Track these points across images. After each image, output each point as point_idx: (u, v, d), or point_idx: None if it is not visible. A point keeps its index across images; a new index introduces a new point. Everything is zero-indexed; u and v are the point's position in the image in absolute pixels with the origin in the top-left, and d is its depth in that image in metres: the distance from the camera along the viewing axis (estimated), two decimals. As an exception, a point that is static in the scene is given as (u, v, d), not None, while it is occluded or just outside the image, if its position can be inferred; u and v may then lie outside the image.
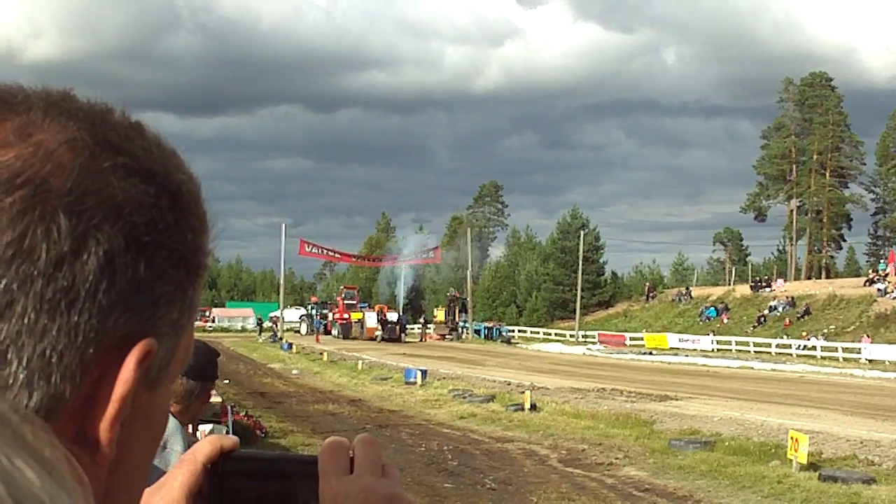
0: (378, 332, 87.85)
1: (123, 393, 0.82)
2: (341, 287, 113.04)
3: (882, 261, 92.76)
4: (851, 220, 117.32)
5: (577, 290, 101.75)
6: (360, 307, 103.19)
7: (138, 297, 0.83)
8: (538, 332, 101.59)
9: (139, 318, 0.83)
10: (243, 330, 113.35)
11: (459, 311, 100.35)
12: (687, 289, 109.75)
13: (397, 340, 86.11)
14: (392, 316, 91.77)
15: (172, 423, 4.43)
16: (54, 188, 0.78)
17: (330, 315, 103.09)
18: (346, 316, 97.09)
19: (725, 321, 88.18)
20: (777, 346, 70.57)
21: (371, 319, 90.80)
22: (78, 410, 0.80)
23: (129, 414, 0.84)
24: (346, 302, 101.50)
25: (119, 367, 0.82)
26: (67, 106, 0.85)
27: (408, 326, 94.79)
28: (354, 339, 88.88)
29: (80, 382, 0.80)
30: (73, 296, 0.79)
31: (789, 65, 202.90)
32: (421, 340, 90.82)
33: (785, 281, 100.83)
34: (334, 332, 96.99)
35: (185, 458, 1.06)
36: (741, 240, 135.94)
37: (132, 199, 0.82)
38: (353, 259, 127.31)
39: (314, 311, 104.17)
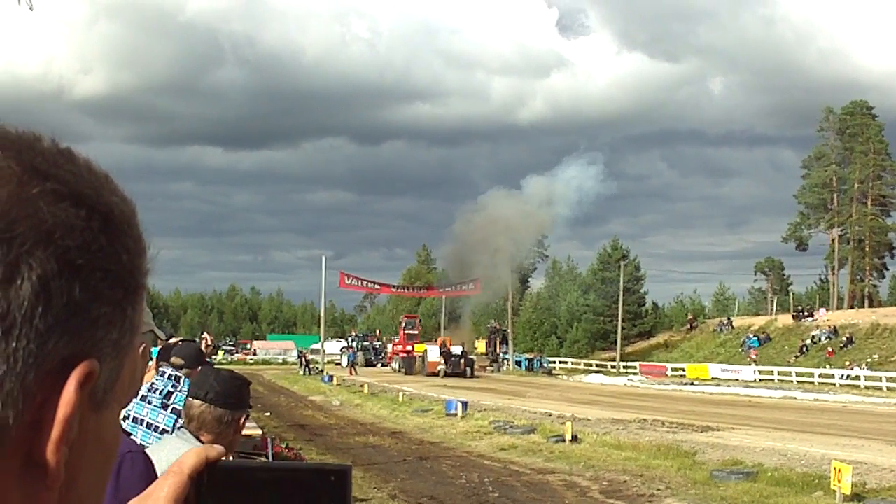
0: (441, 367, 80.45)
1: (66, 415, 0.82)
2: (401, 316, 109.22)
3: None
4: (894, 248, 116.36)
5: (617, 320, 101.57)
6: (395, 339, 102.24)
7: (76, 320, 0.82)
8: (579, 364, 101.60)
9: (78, 341, 0.83)
10: (284, 362, 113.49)
11: (500, 343, 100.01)
12: (728, 319, 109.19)
13: (462, 375, 78.97)
14: (456, 349, 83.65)
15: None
16: None
17: (390, 347, 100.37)
18: (408, 349, 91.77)
19: (753, 357, 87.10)
20: (820, 375, 70.17)
21: (433, 353, 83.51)
22: (24, 436, 0.81)
23: (78, 437, 0.84)
24: (407, 332, 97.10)
25: (61, 391, 0.82)
26: None
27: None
28: (417, 374, 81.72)
29: (22, 408, 0.80)
30: (10, 322, 0.79)
31: (834, 93, 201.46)
32: None
33: (827, 310, 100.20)
34: (394, 365, 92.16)
35: (171, 469, 1.04)
36: (783, 269, 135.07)
37: (63, 223, 0.82)
38: (393, 290, 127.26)
39: (355, 343, 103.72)
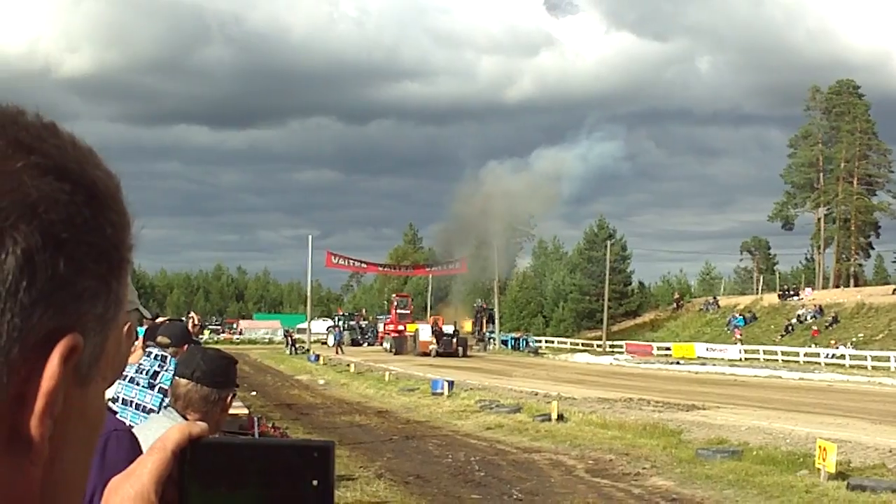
0: (433, 347, 78.76)
1: (50, 388, 0.81)
2: (393, 296, 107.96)
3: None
4: (879, 227, 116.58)
5: (604, 300, 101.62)
6: (388, 317, 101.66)
7: (60, 294, 0.82)
8: (565, 343, 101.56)
9: (63, 315, 0.83)
10: (270, 342, 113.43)
11: (486, 322, 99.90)
12: (714, 298, 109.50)
13: (454, 355, 76.86)
14: (448, 328, 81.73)
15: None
16: None
17: (381, 327, 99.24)
18: (400, 328, 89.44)
19: (738, 336, 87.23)
20: (805, 354, 70.37)
21: (425, 332, 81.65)
22: (8, 410, 0.81)
23: (63, 411, 0.84)
24: (399, 312, 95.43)
25: (45, 364, 0.82)
26: None
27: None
28: (408, 353, 79.23)
29: (7, 382, 0.80)
30: None
31: (823, 72, 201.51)
32: None
33: (813, 289, 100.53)
34: (385, 345, 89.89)
35: (154, 446, 1.03)
36: (769, 248, 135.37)
37: (47, 196, 0.81)
38: (380, 269, 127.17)
39: (341, 323, 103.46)
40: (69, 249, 0.83)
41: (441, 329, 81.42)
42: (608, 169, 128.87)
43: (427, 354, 76.99)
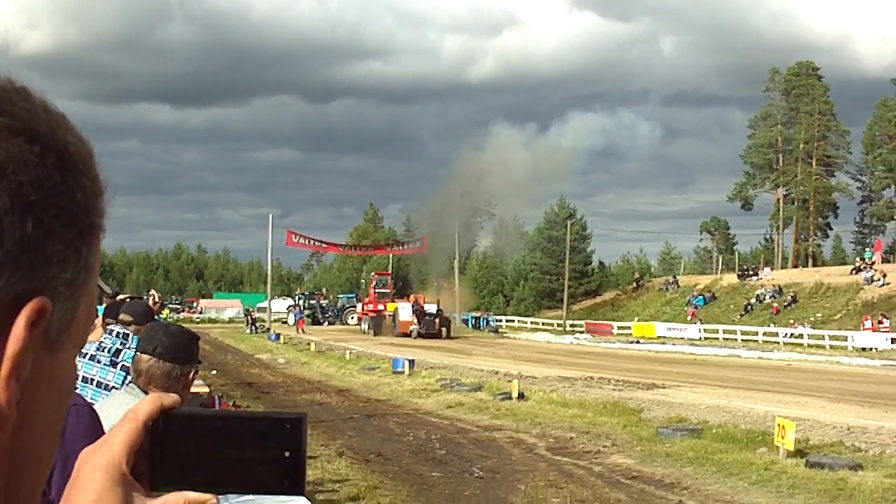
0: (413, 327, 74.35)
1: (16, 351, 0.81)
2: (372, 273, 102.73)
3: (868, 249, 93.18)
4: (838, 208, 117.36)
5: (564, 279, 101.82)
6: (349, 297, 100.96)
7: (28, 256, 0.81)
8: (526, 322, 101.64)
9: (31, 278, 0.82)
10: (231, 321, 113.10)
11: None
12: (674, 278, 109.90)
13: (436, 336, 73.08)
14: (430, 307, 77.02)
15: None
16: None
17: (360, 306, 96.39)
18: (379, 307, 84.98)
19: (689, 318, 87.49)
20: (764, 334, 70.76)
21: (405, 312, 76.86)
22: None
23: (32, 378, 0.83)
24: (377, 291, 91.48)
25: (12, 327, 0.81)
26: None
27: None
28: (387, 334, 76.72)
29: None
30: None
31: (785, 54, 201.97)
32: None
33: (772, 269, 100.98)
34: (363, 325, 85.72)
35: (126, 416, 1.02)
36: (728, 229, 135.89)
37: (16, 157, 0.81)
38: (341, 248, 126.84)
39: (301, 302, 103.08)
40: (38, 212, 0.82)
41: (423, 308, 76.91)
42: (579, 149, 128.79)
43: (408, 335, 73.19)
